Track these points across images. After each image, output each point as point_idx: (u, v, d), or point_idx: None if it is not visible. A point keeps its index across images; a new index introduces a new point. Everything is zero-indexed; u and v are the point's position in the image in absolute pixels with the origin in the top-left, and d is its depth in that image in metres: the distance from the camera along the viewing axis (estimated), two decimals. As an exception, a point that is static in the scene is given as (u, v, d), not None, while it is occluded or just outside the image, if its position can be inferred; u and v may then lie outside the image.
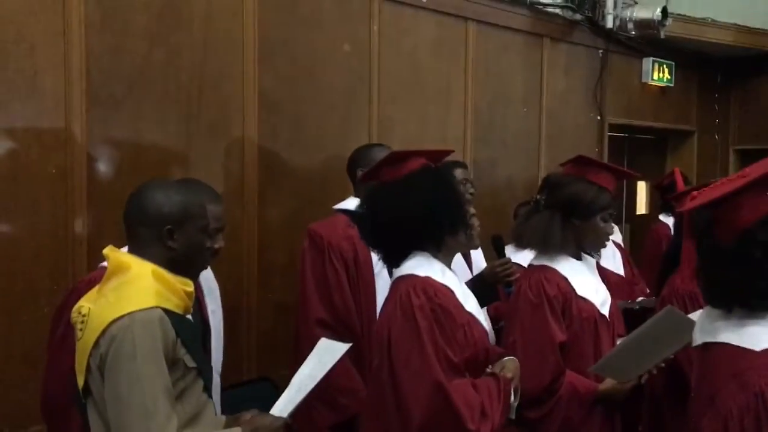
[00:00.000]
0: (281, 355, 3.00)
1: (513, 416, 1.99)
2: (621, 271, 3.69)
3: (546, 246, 2.25)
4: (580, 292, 2.20)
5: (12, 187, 2.45)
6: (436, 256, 1.93)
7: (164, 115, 2.81)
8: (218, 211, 2.05)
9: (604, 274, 2.50)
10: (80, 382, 1.57)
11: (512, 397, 1.90)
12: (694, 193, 1.46)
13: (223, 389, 2.88)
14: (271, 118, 3.14)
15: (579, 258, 2.30)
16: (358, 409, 2.28)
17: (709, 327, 1.35)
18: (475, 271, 2.93)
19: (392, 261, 1.96)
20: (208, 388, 1.67)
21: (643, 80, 5.38)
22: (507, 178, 4.42)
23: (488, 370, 1.94)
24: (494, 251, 2.74)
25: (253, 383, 3.03)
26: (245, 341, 3.12)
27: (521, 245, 2.40)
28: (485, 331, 1.94)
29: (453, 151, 2.14)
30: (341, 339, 2.08)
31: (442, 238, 1.91)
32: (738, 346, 1.29)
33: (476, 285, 2.66)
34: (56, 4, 2.50)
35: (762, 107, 5.93)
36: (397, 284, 1.89)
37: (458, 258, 3.01)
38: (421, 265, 1.90)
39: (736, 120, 6.14)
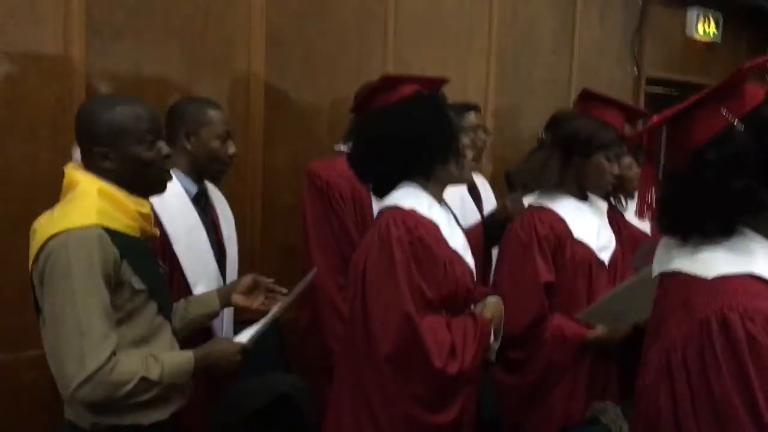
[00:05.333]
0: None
1: (493, 358, 1.92)
2: (647, 229, 3.54)
3: (542, 184, 2.15)
4: (577, 234, 2.09)
5: (10, 114, 2.45)
6: (425, 188, 1.85)
7: (166, 47, 2.76)
8: (215, 115, 2.08)
9: (628, 229, 2.37)
10: (33, 298, 1.56)
11: (491, 339, 1.83)
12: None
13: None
14: (278, 55, 3.06)
15: (584, 198, 2.18)
16: None
17: (665, 257, 1.23)
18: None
19: (381, 192, 1.89)
20: (164, 311, 1.64)
21: (687, 34, 5.07)
22: (531, 129, 4.25)
23: (470, 310, 1.87)
24: (507, 189, 2.65)
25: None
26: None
27: (520, 185, 2.31)
28: (469, 270, 1.85)
29: (449, 80, 2.02)
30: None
31: (432, 166, 1.83)
32: (689, 274, 1.17)
33: (489, 223, 2.59)
34: (56, -71, 2.46)
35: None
36: (381, 215, 1.83)
37: (467, 199, 2.94)
38: (408, 197, 1.82)
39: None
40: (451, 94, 2.22)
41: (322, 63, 3.22)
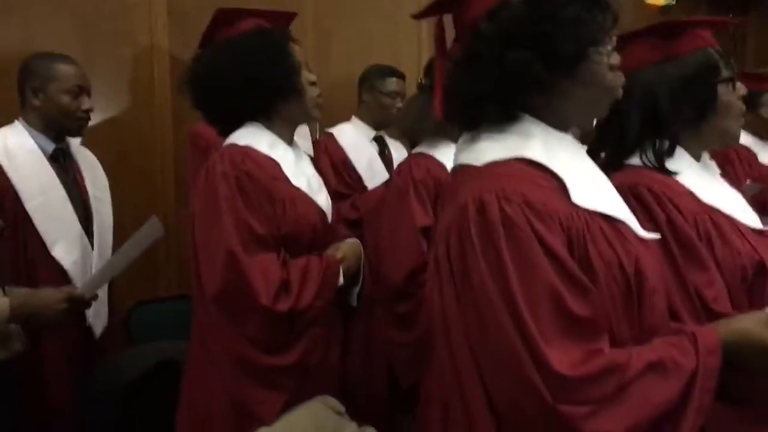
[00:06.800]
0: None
1: (354, 303, 1.84)
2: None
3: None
4: None
5: None
6: (269, 128, 1.78)
7: (58, 23, 2.72)
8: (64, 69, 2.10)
9: None
10: None
11: (340, 280, 1.75)
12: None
13: (141, 304, 2.86)
14: (182, 26, 3.01)
15: None
16: None
17: (456, 154, 1.16)
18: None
19: (226, 133, 1.82)
20: None
21: (639, -3, 4.97)
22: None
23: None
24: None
25: (172, 300, 2.98)
26: (163, 258, 3.04)
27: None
28: (317, 210, 1.77)
29: (296, 14, 1.95)
30: None
31: (271, 105, 1.76)
32: (467, 164, 1.10)
33: None
34: None
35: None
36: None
37: (376, 160, 2.88)
38: (247, 136, 1.75)
39: (754, 42, 5.63)
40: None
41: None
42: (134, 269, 2.88)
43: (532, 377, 0.92)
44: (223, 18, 1.81)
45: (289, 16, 1.92)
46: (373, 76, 2.94)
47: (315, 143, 2.96)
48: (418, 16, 1.18)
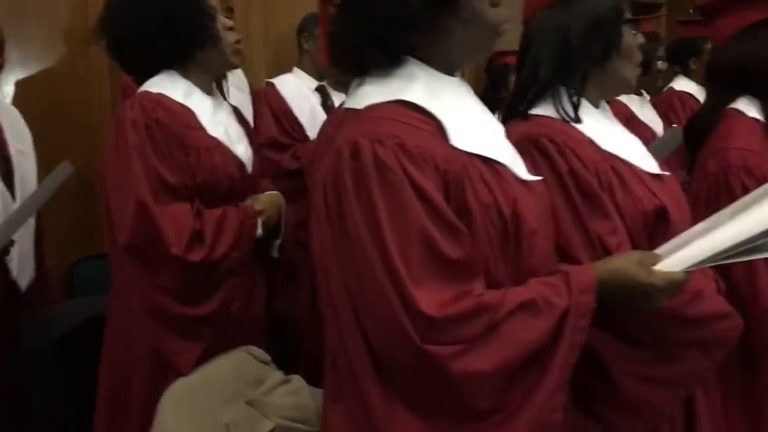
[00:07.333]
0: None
1: (276, 254, 1.84)
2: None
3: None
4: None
5: None
6: (186, 76, 1.74)
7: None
8: None
9: None
10: None
11: (258, 231, 1.74)
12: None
13: (84, 259, 2.83)
14: None
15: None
16: None
17: (345, 99, 1.14)
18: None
19: (141, 81, 1.77)
20: None
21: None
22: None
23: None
24: None
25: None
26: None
27: None
28: (235, 160, 1.75)
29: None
30: None
31: (187, 52, 1.71)
32: (350, 109, 1.08)
33: None
34: None
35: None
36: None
37: (318, 110, 2.83)
38: (160, 83, 1.72)
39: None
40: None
41: None
42: (80, 224, 2.87)
43: (401, 320, 0.93)
44: None
45: None
46: (311, 25, 2.88)
47: (255, 93, 2.90)
48: None
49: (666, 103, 3.35)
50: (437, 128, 1.02)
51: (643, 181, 1.29)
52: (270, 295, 1.86)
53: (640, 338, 1.20)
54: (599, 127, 1.32)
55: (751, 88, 1.57)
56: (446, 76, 1.08)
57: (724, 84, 1.60)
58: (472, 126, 1.06)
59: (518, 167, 1.09)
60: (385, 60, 1.05)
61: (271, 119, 2.78)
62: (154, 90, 1.69)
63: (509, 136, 1.18)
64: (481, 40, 1.09)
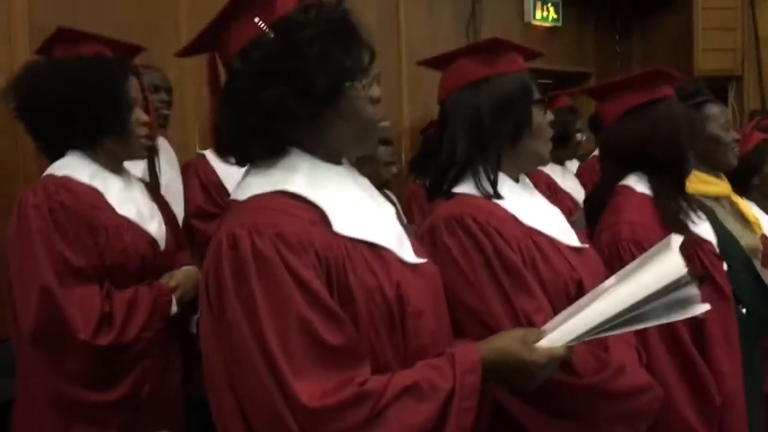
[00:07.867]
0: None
1: (194, 330, 1.81)
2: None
3: None
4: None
5: None
6: (93, 158, 1.73)
7: None
8: None
9: None
10: None
11: (173, 308, 1.72)
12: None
13: None
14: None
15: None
16: None
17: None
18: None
19: (50, 157, 1.76)
20: None
21: (526, 20, 5.14)
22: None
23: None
24: None
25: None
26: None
27: None
28: (147, 239, 1.74)
29: (145, 49, 1.92)
30: None
31: (94, 137, 1.71)
32: (234, 200, 1.11)
33: None
34: None
35: (666, 43, 5.69)
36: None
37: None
38: (66, 165, 1.71)
39: (638, 64, 5.91)
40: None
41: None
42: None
43: (282, 413, 0.93)
44: (62, 37, 1.76)
45: (135, 49, 1.88)
46: None
47: (184, 166, 2.90)
48: (182, 53, 1.17)
49: (591, 170, 3.49)
50: (320, 216, 1.04)
51: (563, 254, 1.34)
52: (186, 378, 1.82)
53: (565, 412, 1.23)
54: (520, 200, 1.37)
55: (639, 166, 1.66)
56: (331, 165, 1.11)
57: (615, 161, 1.69)
58: (356, 212, 1.09)
59: (405, 250, 1.12)
60: (267, 152, 1.08)
61: (198, 189, 2.78)
62: (59, 173, 1.68)
63: (434, 215, 1.21)
64: (362, 135, 1.13)
